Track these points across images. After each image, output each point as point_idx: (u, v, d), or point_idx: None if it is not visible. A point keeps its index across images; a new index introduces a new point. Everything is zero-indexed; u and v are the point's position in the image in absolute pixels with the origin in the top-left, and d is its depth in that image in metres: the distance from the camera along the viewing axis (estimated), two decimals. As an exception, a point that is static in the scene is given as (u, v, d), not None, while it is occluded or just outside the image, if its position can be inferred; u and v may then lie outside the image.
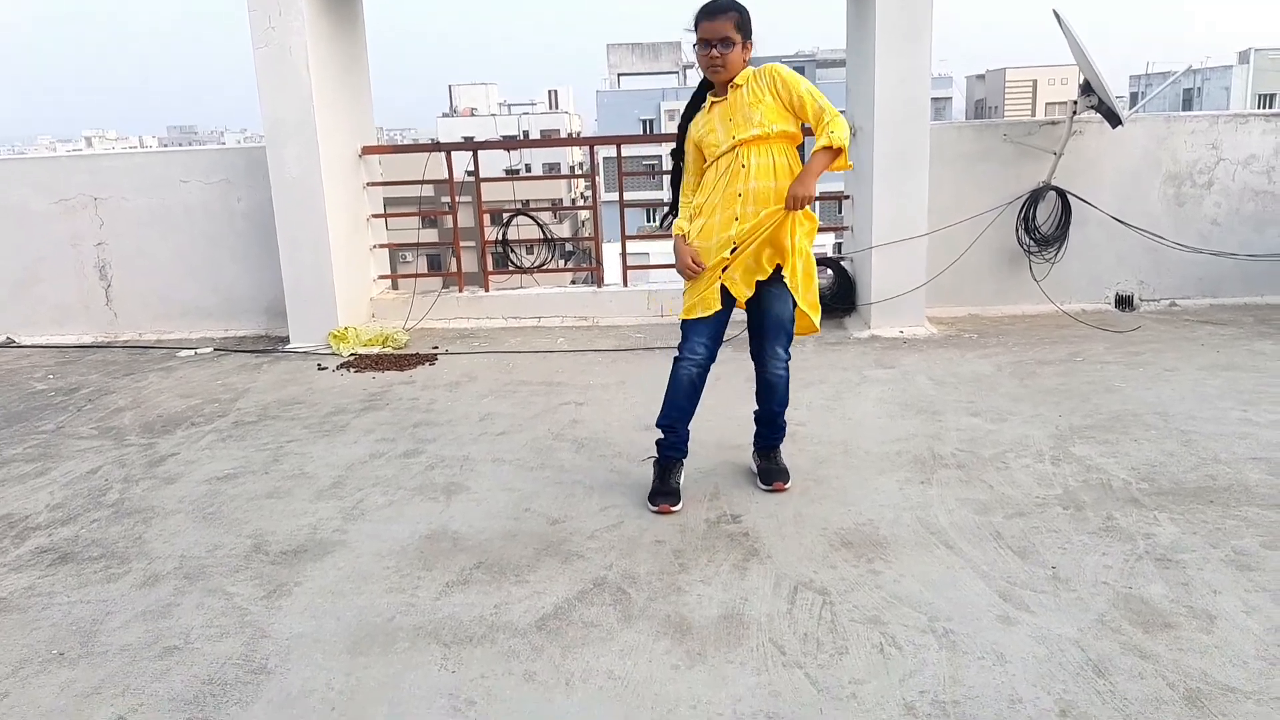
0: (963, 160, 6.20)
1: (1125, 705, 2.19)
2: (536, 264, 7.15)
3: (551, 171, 49.26)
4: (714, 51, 3.19)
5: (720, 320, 3.37)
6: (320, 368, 5.59)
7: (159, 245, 6.54)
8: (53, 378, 5.65)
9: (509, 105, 63.97)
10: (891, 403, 4.49)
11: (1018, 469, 3.60)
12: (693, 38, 3.24)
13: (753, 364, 3.55)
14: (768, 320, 3.40)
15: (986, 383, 4.73)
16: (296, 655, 2.55)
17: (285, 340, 6.22)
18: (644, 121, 54.88)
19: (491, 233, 6.85)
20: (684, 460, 3.50)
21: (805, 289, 3.36)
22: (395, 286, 7.15)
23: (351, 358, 5.75)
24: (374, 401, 4.86)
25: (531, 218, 7.10)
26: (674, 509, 3.32)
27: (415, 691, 2.37)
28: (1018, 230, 6.14)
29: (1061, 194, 6.09)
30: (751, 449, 3.68)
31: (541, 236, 7.07)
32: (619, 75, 56.35)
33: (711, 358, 3.40)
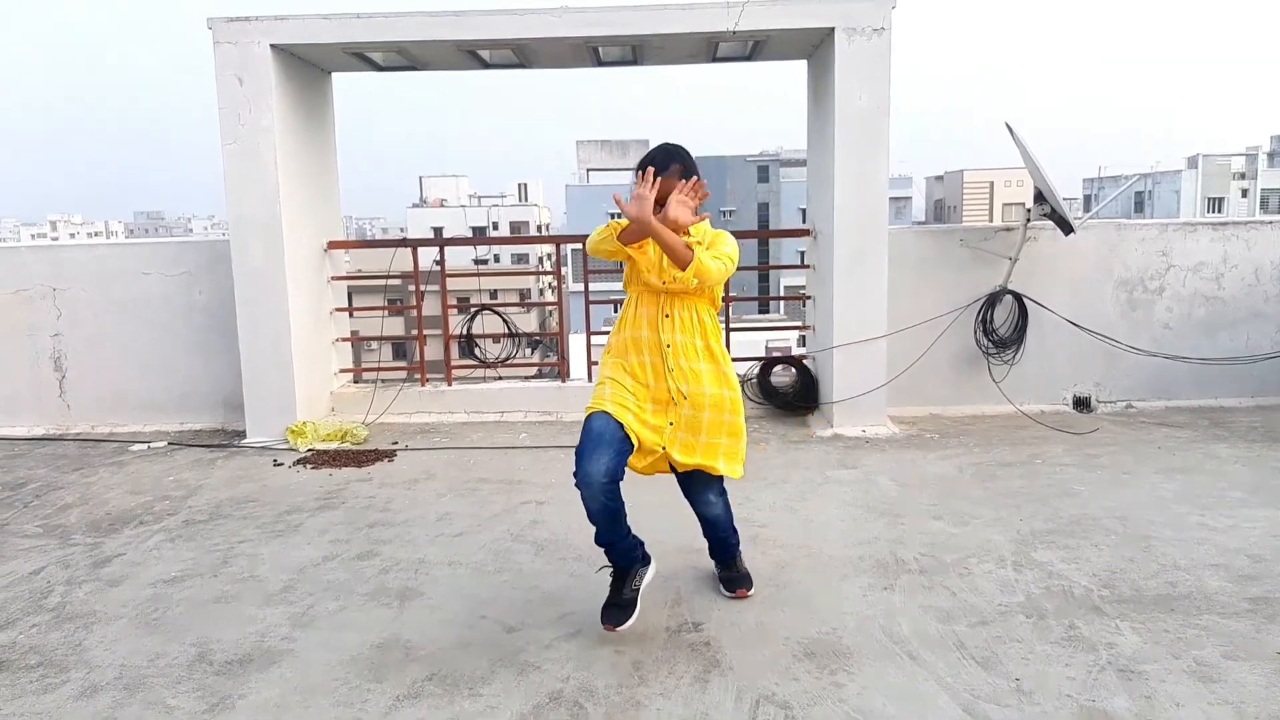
0: (921, 264, 6.33)
1: (1093, 830, 2.13)
2: (501, 358, 7.14)
3: (520, 263, 49.67)
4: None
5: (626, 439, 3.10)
6: (276, 463, 5.49)
7: (116, 336, 6.46)
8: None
9: (479, 197, 64.89)
10: (854, 505, 4.48)
11: (980, 575, 3.58)
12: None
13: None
14: (696, 473, 3.30)
15: (949, 485, 4.74)
16: (236, 776, 2.43)
17: (242, 434, 6.12)
18: (611, 215, 55.71)
19: (456, 324, 6.85)
20: (644, 567, 3.27)
21: (731, 457, 3.26)
22: (357, 380, 7.09)
23: (309, 454, 5.66)
24: (330, 500, 4.76)
25: (497, 313, 7.12)
26: (620, 628, 3.11)
27: (359, 817, 2.26)
28: (976, 332, 6.25)
29: (1018, 297, 6.23)
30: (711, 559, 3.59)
31: (506, 331, 7.08)
32: (588, 170, 57.50)
33: (617, 474, 3.04)
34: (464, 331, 6.89)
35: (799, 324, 7.06)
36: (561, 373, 6.94)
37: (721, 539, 3.50)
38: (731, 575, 3.53)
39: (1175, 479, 4.73)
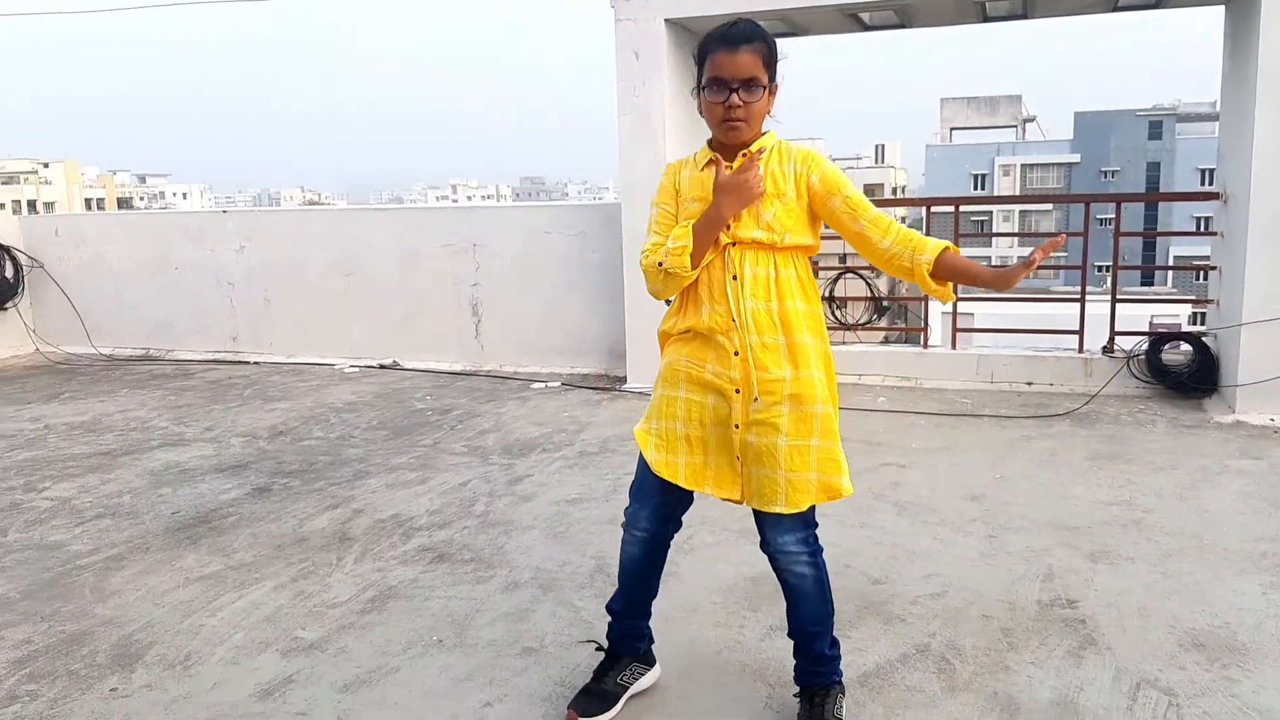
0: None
1: None
2: (862, 320, 7.20)
3: (873, 226, 48.71)
4: (735, 98, 2.25)
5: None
6: (653, 408, 6.00)
7: (523, 287, 7.36)
8: (430, 399, 6.51)
9: (834, 159, 64.32)
10: (1257, 498, 4.06)
11: None
12: (709, 74, 2.28)
13: None
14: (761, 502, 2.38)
15: (1382, 487, 4.15)
16: (634, 672, 2.79)
17: (623, 380, 6.74)
18: (975, 176, 52.88)
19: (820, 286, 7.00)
20: (643, 665, 2.66)
21: (825, 461, 2.35)
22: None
23: (681, 401, 6.11)
24: (702, 445, 5.14)
25: (860, 276, 7.18)
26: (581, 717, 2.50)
27: (742, 724, 2.52)
28: None
29: None
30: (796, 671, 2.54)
31: (867, 294, 7.12)
32: (951, 130, 54.84)
33: (671, 526, 2.55)
34: (828, 293, 7.02)
35: (1192, 298, 6.40)
36: (922, 339, 6.86)
37: (810, 636, 2.46)
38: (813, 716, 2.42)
39: None
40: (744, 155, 2.33)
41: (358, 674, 2.83)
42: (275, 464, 4.99)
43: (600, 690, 2.57)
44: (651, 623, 2.71)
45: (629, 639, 2.62)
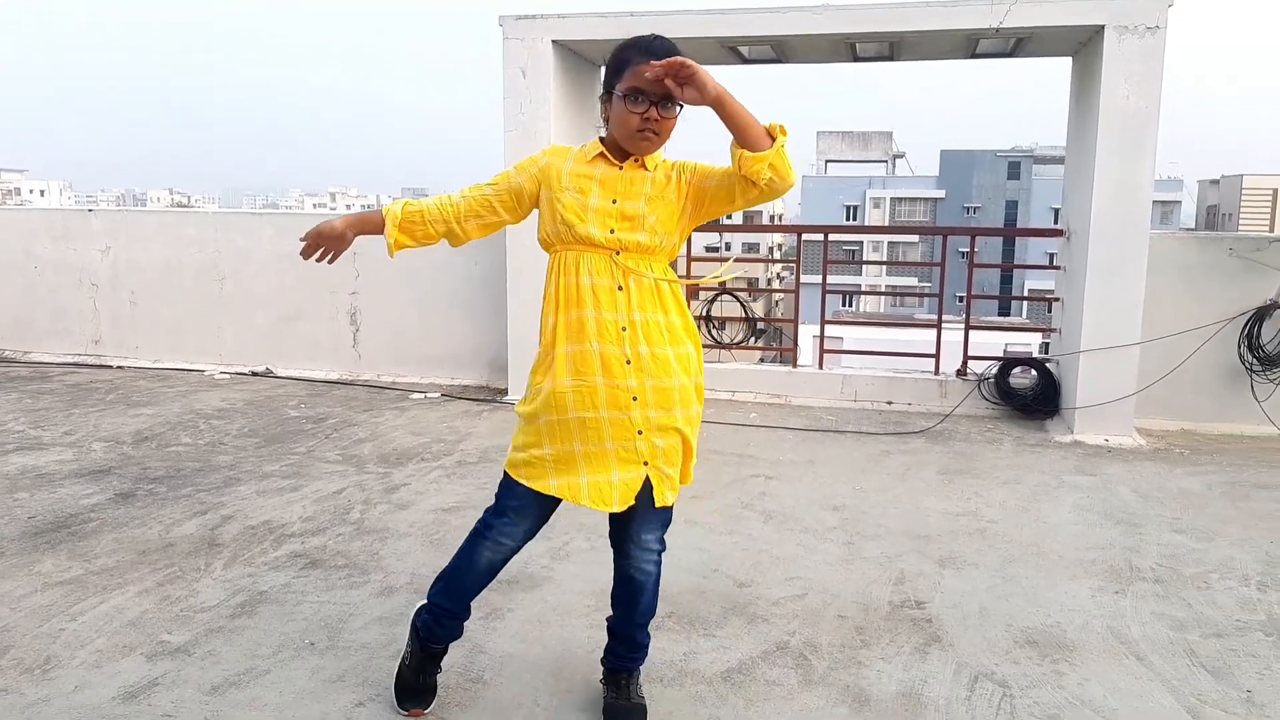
0: (1184, 271, 6.04)
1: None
2: (736, 340, 7.45)
3: (750, 252, 49.94)
4: (655, 111, 2.28)
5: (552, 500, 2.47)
6: (532, 420, 6.06)
7: (404, 297, 7.31)
8: (304, 407, 6.40)
9: (715, 185, 65.50)
10: (1090, 510, 4.43)
11: (1220, 590, 3.51)
12: (619, 83, 2.30)
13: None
14: (639, 501, 2.42)
15: (1195, 501, 4.58)
16: (508, 672, 2.86)
17: (503, 392, 6.78)
18: (848, 207, 54.83)
19: (696, 307, 7.22)
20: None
21: (687, 457, 2.48)
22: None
23: (560, 414, 6.19)
24: (579, 456, 5.24)
25: (736, 297, 7.43)
26: (426, 711, 2.62)
27: None
28: (1240, 347, 5.89)
29: (1293, 313, 5.82)
30: (601, 666, 2.69)
31: (744, 315, 7.37)
32: (827, 162, 56.78)
33: (528, 538, 2.54)
34: (704, 313, 7.24)
35: (1042, 327, 6.90)
36: (792, 359, 7.15)
37: (635, 628, 2.61)
38: (619, 703, 2.60)
39: None
40: (635, 161, 2.39)
41: (226, 676, 2.80)
42: (140, 470, 4.83)
43: (430, 685, 2.65)
44: (527, 626, 2.79)
45: (453, 634, 2.64)
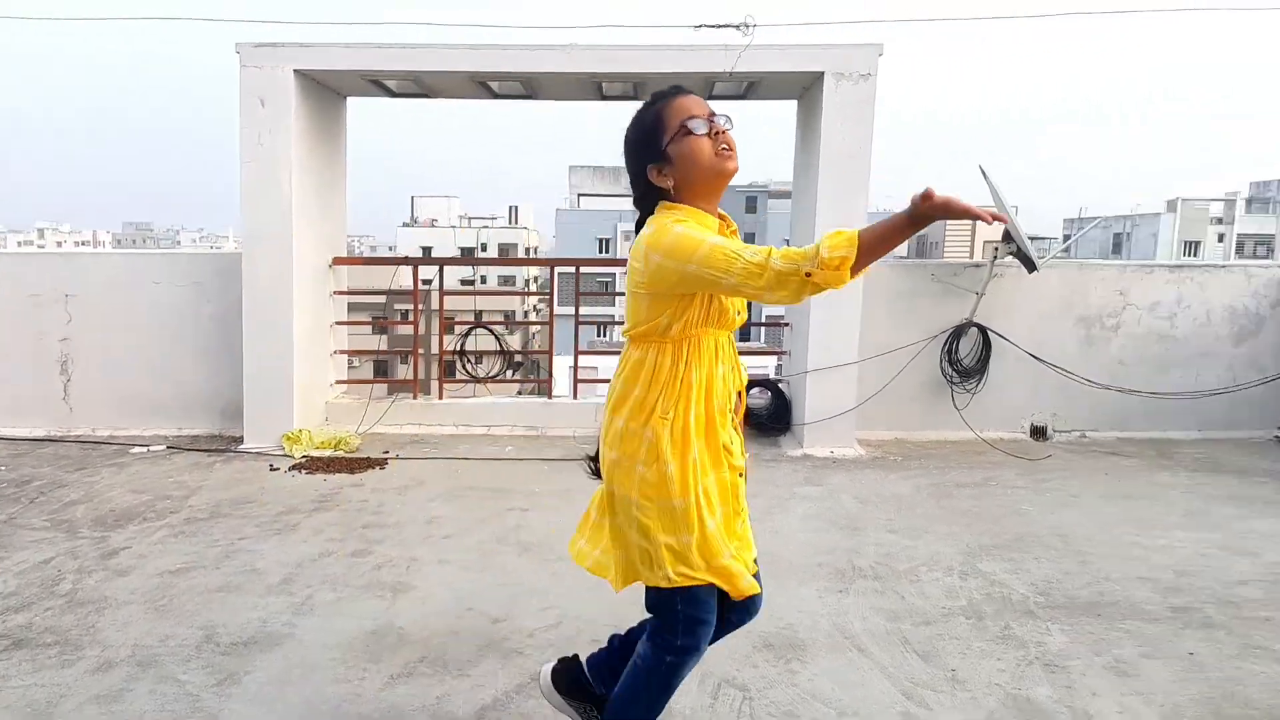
0: (895, 296, 6.68)
1: (1005, 793, 2.43)
2: (491, 374, 7.44)
3: (506, 284, 50.05)
4: (718, 123, 2.18)
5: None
6: (273, 468, 5.75)
7: (123, 342, 6.71)
8: (4, 469, 5.72)
9: (469, 218, 65.25)
10: (817, 518, 4.78)
11: (928, 582, 3.89)
12: (669, 125, 2.16)
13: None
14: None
15: (906, 502, 5.06)
16: (245, 738, 2.70)
17: (239, 440, 6.38)
18: (600, 240, 56.22)
19: (449, 341, 7.15)
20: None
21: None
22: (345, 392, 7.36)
23: (304, 460, 5.92)
24: (325, 502, 5.03)
25: (490, 331, 7.43)
26: None
27: (358, 772, 2.53)
28: (942, 362, 6.59)
29: (983, 330, 6.58)
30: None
31: (498, 349, 7.38)
32: (579, 195, 58.00)
33: None
34: (459, 347, 7.18)
35: (777, 350, 7.39)
36: (547, 390, 7.23)
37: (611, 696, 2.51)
38: None
39: (1118, 503, 5.07)
40: (723, 222, 2.26)
41: (-97, 784, 2.45)
42: None
43: None
44: (267, 688, 2.64)
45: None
